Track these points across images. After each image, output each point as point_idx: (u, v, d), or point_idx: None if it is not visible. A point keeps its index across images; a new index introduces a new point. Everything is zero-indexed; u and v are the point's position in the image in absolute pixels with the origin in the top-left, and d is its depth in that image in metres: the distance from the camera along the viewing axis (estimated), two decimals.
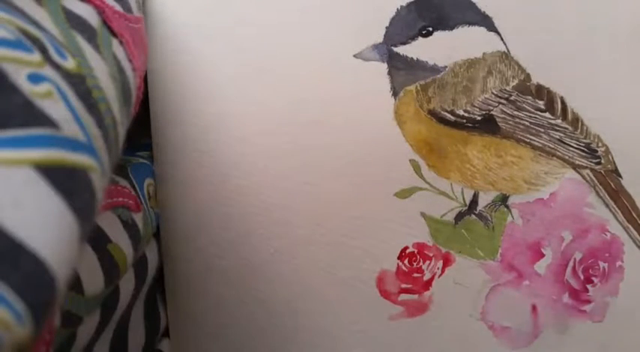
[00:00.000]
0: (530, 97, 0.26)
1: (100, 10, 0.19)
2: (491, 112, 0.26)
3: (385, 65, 0.26)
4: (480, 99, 0.26)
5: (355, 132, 0.26)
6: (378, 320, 0.27)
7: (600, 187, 0.26)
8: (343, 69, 0.26)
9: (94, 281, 0.20)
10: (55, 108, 0.14)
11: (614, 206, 0.26)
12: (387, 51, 0.26)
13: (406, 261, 0.26)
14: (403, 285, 0.26)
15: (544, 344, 0.26)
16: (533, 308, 0.26)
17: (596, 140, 0.26)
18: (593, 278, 0.26)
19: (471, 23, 0.26)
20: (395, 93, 0.26)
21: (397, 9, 0.26)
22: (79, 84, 0.15)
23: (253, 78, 0.26)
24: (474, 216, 0.26)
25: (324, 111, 0.26)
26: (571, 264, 0.26)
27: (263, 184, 0.26)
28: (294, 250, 0.27)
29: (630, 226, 0.26)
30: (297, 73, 0.26)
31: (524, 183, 0.26)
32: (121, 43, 0.19)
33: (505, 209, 0.26)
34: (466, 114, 0.26)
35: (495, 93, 0.26)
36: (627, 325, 0.26)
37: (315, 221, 0.26)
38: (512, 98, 0.26)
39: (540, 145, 0.26)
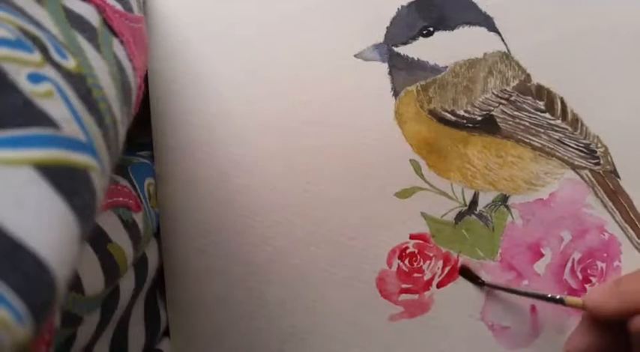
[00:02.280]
0: (530, 98, 0.26)
1: (101, 10, 0.19)
2: (492, 112, 0.26)
3: (386, 65, 0.26)
4: (481, 100, 0.26)
5: (355, 132, 0.26)
6: (378, 320, 0.27)
7: (599, 188, 0.26)
8: (344, 69, 0.26)
9: (94, 281, 0.20)
10: (55, 108, 0.14)
11: (613, 206, 0.26)
12: (388, 51, 0.26)
13: (406, 261, 0.26)
14: (403, 285, 0.26)
15: (543, 343, 0.26)
16: (533, 308, 0.26)
17: (595, 141, 0.26)
18: (592, 278, 0.26)
19: (471, 23, 0.26)
20: (395, 94, 0.26)
21: (398, 9, 0.26)
22: (80, 83, 0.15)
23: (253, 78, 0.26)
24: (474, 216, 0.26)
25: (324, 111, 0.26)
26: (569, 263, 0.26)
27: (263, 184, 0.26)
28: (294, 250, 0.27)
29: (628, 227, 0.26)
30: (297, 73, 0.26)
31: (524, 184, 0.26)
32: (121, 42, 0.19)
33: (505, 209, 0.26)
34: (466, 115, 0.26)
35: (496, 93, 0.26)
36: None
37: (315, 221, 0.26)
38: (512, 98, 0.26)
39: (540, 146, 0.26)
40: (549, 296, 0.23)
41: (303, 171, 0.26)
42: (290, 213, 0.26)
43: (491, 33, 0.26)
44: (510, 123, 0.26)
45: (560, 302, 0.23)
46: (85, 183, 0.14)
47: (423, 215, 0.26)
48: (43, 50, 0.14)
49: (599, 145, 0.26)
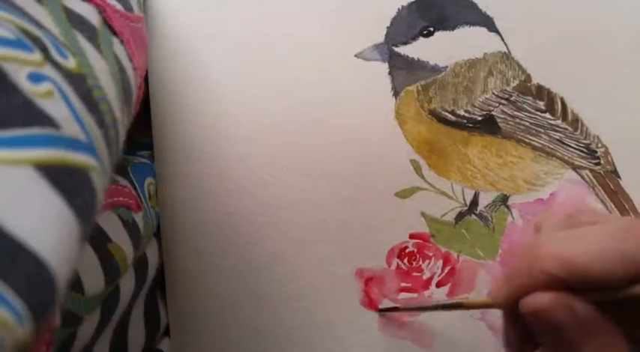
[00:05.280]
0: (530, 98, 0.26)
1: (101, 9, 0.19)
2: (492, 113, 0.26)
3: (386, 65, 0.26)
4: (481, 100, 0.26)
5: (356, 132, 0.26)
6: (378, 319, 0.27)
7: (599, 188, 0.26)
8: (344, 69, 0.26)
9: (94, 281, 0.20)
10: (55, 108, 0.14)
11: (613, 206, 0.26)
12: (388, 51, 0.26)
13: (406, 260, 0.26)
14: (403, 284, 0.26)
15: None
16: None
17: (595, 141, 0.26)
18: None
19: (472, 24, 0.26)
20: (396, 94, 0.26)
21: (398, 9, 0.26)
22: (80, 83, 0.15)
23: (253, 78, 0.26)
24: (474, 216, 0.26)
25: (324, 111, 0.26)
26: None
27: (263, 184, 0.26)
28: (294, 250, 0.27)
29: None
30: (297, 73, 0.26)
31: (524, 183, 0.26)
32: (121, 42, 0.19)
33: (505, 209, 0.26)
34: (467, 115, 0.26)
35: (496, 93, 0.26)
36: None
37: (315, 221, 0.26)
38: (512, 98, 0.26)
39: (540, 146, 0.26)
40: (450, 304, 0.22)
41: (303, 171, 0.26)
42: (290, 213, 0.26)
43: (492, 33, 0.26)
44: (511, 123, 0.26)
45: (461, 306, 0.21)
46: (85, 183, 0.14)
47: (423, 215, 0.26)
48: (44, 50, 0.14)
49: (600, 145, 0.26)
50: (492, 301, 0.20)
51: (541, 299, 0.17)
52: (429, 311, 0.26)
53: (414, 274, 0.26)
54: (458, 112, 0.26)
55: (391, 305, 0.26)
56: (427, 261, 0.26)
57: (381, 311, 0.26)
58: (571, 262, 0.17)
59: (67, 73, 0.15)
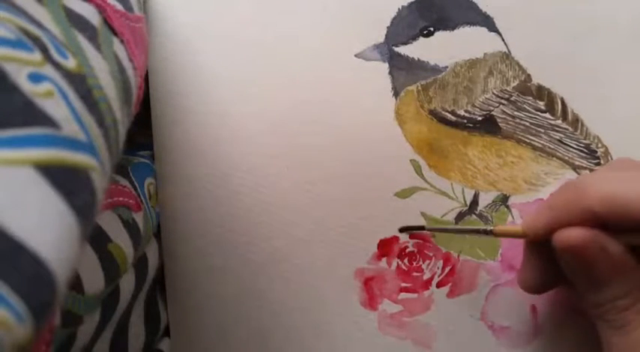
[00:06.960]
0: (530, 98, 0.26)
1: (101, 9, 0.19)
2: (492, 113, 0.26)
3: (386, 65, 0.26)
4: (481, 100, 0.26)
5: (356, 132, 0.26)
6: (378, 319, 0.27)
7: None
8: (344, 68, 0.26)
9: (94, 281, 0.20)
10: (55, 108, 0.14)
11: None
12: (389, 51, 0.26)
13: (406, 260, 0.26)
14: (403, 284, 0.26)
15: (543, 344, 0.26)
16: (533, 308, 0.26)
17: (595, 141, 0.26)
18: None
19: (472, 23, 0.26)
20: (396, 93, 0.26)
21: (398, 9, 0.26)
22: (80, 83, 0.15)
23: (253, 78, 0.26)
24: (474, 216, 0.26)
25: (324, 111, 0.26)
26: None
27: (263, 184, 0.26)
28: (294, 250, 0.27)
29: None
30: (297, 73, 0.26)
31: (524, 184, 0.26)
32: (121, 42, 0.19)
33: (505, 209, 0.26)
34: (467, 115, 0.26)
35: (496, 93, 0.26)
36: None
37: (315, 221, 0.26)
38: (512, 98, 0.26)
39: (540, 146, 0.26)
40: (482, 229, 0.23)
41: (304, 171, 0.26)
42: (290, 212, 0.26)
43: (492, 33, 0.26)
44: (511, 123, 0.26)
45: (490, 233, 0.22)
46: (85, 183, 0.14)
47: (423, 215, 0.26)
48: (44, 50, 0.14)
49: (600, 145, 0.26)
50: (524, 231, 0.21)
51: (576, 234, 0.18)
52: (454, 233, 0.26)
53: (414, 274, 0.26)
54: (458, 112, 0.26)
55: (392, 305, 0.26)
56: (427, 261, 0.26)
57: (403, 230, 0.26)
58: (613, 199, 0.18)
59: (67, 73, 0.15)
